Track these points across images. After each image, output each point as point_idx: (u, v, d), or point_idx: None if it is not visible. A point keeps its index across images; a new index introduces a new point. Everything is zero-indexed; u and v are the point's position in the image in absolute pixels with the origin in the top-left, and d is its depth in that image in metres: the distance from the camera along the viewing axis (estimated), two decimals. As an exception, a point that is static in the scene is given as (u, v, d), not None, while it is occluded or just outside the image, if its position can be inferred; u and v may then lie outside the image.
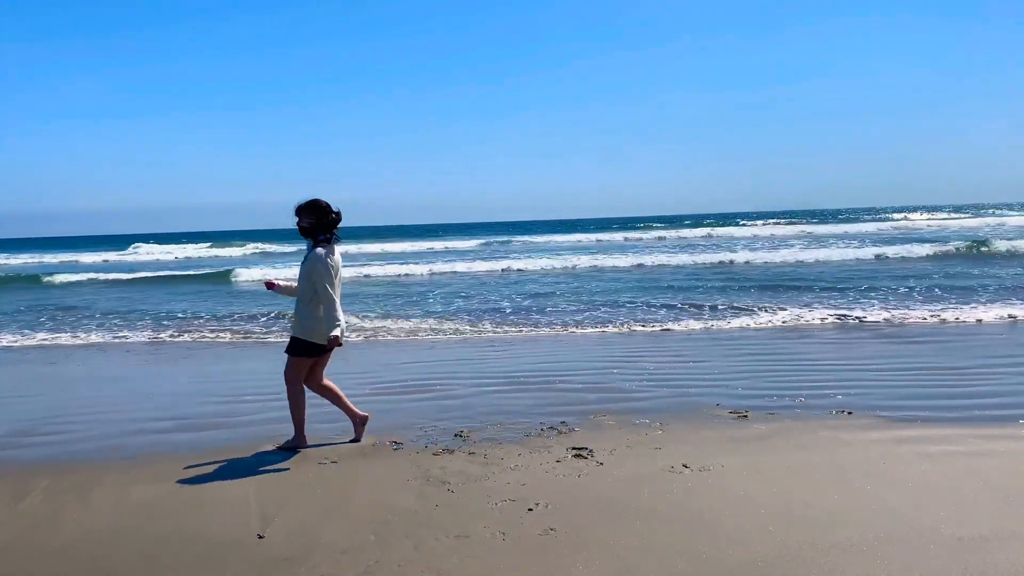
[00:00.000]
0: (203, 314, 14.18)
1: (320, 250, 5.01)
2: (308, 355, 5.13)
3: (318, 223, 5.07)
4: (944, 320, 10.73)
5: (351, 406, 5.36)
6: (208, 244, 55.68)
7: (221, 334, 11.60)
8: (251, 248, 50.00)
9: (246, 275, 24.04)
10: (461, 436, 5.30)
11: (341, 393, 5.37)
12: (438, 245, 44.58)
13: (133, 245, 56.06)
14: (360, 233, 71.34)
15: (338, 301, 5.04)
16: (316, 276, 4.96)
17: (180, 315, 14.15)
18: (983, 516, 3.64)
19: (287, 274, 21.74)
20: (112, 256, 44.69)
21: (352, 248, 41.49)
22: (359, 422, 5.34)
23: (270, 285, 5.42)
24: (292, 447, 5.17)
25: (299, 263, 5.16)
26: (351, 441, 5.28)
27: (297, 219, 5.09)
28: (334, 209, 5.10)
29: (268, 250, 47.55)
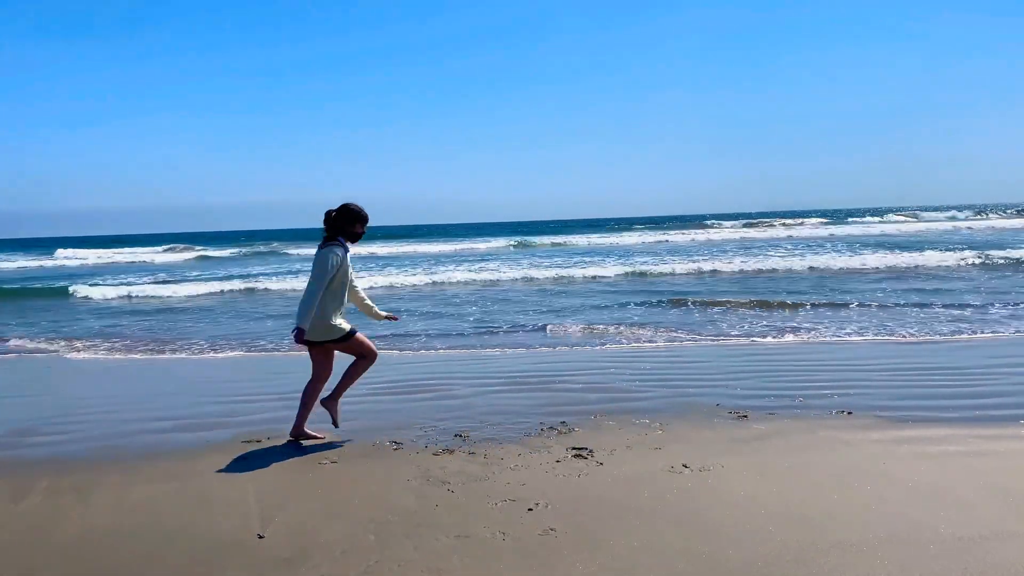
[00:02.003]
0: None
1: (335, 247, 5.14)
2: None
3: None
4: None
5: (308, 414, 5.36)
6: (163, 248, 52.35)
7: None
8: (194, 253, 44.29)
9: (87, 292, 19.45)
10: (461, 436, 5.30)
11: (313, 396, 5.41)
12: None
13: (58, 250, 48.88)
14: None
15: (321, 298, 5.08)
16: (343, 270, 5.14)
17: None
18: (983, 516, 3.64)
19: (146, 289, 19.63)
20: (11, 264, 38.72)
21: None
22: (300, 433, 5.33)
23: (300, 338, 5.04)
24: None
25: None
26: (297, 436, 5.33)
27: (358, 225, 5.20)
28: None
29: (209, 254, 42.76)
